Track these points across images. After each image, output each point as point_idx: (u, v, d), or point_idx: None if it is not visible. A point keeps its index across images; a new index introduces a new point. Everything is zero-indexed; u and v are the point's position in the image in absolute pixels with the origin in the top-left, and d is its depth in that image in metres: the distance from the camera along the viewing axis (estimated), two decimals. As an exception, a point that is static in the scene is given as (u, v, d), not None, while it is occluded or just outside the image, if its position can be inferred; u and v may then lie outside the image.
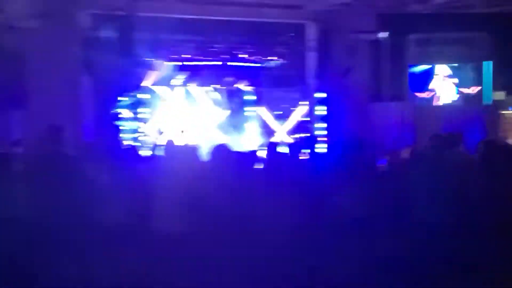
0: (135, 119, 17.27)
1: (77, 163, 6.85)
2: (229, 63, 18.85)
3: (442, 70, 18.04)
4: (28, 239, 6.42)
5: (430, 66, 18.06)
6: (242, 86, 19.48)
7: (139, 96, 17.21)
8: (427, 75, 18.14)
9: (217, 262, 6.45)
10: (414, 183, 7.04)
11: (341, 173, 7.25)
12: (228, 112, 19.74)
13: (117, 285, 6.39)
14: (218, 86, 19.44)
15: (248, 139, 18.65)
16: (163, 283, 6.49)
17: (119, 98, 16.83)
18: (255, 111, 19.80)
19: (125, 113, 17.19)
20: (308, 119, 19.06)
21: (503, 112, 19.70)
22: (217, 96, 19.65)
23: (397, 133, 17.81)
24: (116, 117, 17.02)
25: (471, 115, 17.14)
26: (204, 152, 7.32)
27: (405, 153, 8.30)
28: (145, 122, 17.45)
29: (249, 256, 6.53)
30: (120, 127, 16.76)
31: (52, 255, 6.35)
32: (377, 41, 18.55)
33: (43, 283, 6.33)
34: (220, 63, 18.52)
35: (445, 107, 17.83)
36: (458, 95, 18.05)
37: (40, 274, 6.31)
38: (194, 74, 18.70)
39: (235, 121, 19.58)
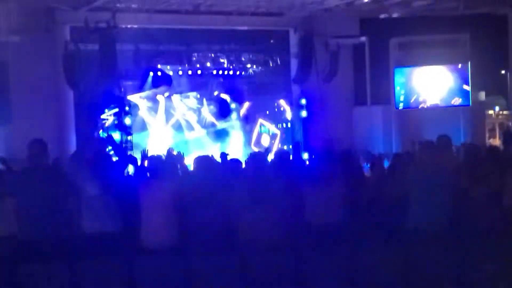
0: (120, 130, 17.20)
1: (64, 176, 6.83)
2: (213, 72, 18.86)
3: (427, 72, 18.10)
4: (17, 253, 6.40)
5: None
6: (225, 95, 19.48)
7: (122, 107, 17.15)
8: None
9: (207, 270, 6.46)
10: (400, 187, 7.06)
11: (325, 179, 7.24)
12: (212, 121, 19.74)
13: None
14: (198, 96, 19.46)
15: (231, 148, 18.65)
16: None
17: (103, 111, 16.82)
18: (238, 119, 19.82)
19: (109, 125, 17.17)
20: (289, 125, 19.12)
21: (487, 112, 19.89)
22: (200, 105, 19.66)
23: (381, 137, 17.91)
24: (101, 129, 16.99)
25: (454, 116, 17.25)
26: (188, 163, 7.32)
27: (390, 158, 8.33)
28: (129, 134, 17.39)
29: (236, 264, 6.55)
30: (105, 139, 16.68)
31: (43, 268, 6.33)
32: (360, 46, 18.65)
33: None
34: (199, 72, 18.53)
35: (428, 109, 17.89)
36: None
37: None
38: (177, 84, 18.69)
39: (219, 130, 19.59)
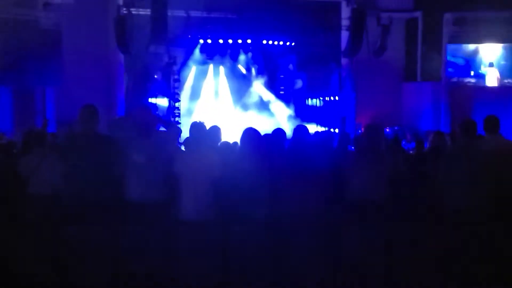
0: (168, 97, 17.37)
1: (113, 142, 6.87)
2: (263, 42, 18.82)
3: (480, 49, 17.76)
4: (61, 214, 6.53)
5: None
6: (273, 65, 19.47)
7: (171, 74, 17.28)
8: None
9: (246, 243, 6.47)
10: (443, 168, 6.97)
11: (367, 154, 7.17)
12: (260, 91, 19.76)
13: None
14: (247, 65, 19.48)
15: (279, 119, 18.67)
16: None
17: (152, 76, 16.97)
18: (287, 90, 19.82)
19: (158, 91, 17.33)
20: (337, 98, 18.99)
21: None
22: (249, 75, 19.69)
23: (431, 114, 17.70)
24: (150, 95, 17.16)
25: (506, 97, 16.92)
26: (235, 134, 7.30)
27: (436, 138, 8.20)
28: (177, 100, 17.55)
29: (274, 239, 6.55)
30: (154, 105, 16.90)
31: (84, 230, 6.43)
32: (413, 20, 18.40)
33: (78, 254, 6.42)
34: (249, 41, 18.50)
35: (480, 88, 17.57)
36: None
37: (73, 248, 6.42)
38: (227, 52, 18.73)
39: (266, 102, 19.61)
